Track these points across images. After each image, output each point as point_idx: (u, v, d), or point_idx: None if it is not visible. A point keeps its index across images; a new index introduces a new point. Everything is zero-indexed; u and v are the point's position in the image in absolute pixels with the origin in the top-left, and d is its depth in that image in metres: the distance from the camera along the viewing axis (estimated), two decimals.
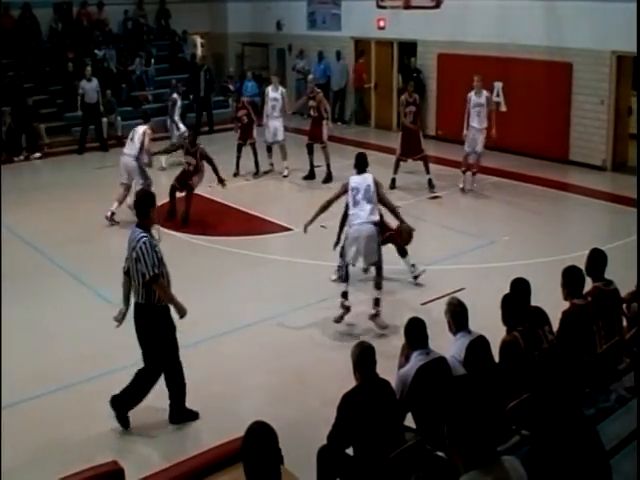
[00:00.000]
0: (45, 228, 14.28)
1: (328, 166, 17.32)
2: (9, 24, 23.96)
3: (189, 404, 7.80)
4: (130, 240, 7.33)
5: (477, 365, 6.33)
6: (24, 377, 8.59)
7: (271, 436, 4.12)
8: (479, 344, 6.53)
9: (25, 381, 8.51)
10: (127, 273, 7.53)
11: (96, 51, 24.14)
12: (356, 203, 9.67)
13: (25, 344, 9.49)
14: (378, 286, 9.78)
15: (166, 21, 27.39)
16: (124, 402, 7.62)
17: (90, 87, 21.15)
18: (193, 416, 7.79)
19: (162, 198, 13.53)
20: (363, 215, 9.59)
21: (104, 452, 6.59)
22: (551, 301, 7.04)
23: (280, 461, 4.18)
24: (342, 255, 9.85)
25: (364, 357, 5.83)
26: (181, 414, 7.75)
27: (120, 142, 21.70)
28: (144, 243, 7.19)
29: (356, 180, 9.83)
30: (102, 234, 14.02)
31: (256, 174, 18.03)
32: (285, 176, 17.92)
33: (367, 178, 9.83)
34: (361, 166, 10.01)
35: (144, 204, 7.52)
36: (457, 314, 6.64)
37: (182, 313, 7.54)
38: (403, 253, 11.13)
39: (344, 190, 9.88)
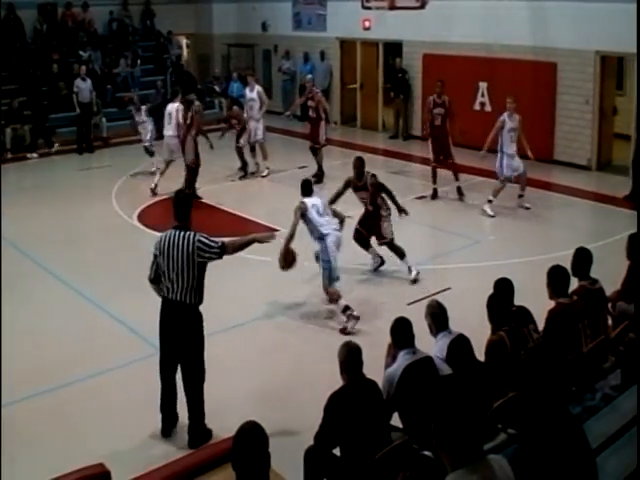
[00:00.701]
0: (30, 230, 14.21)
1: (320, 167, 17.31)
2: None
3: (177, 407, 7.76)
4: (175, 243, 7.13)
5: (459, 363, 6.36)
6: (8, 380, 8.54)
7: (262, 437, 4.12)
8: (460, 342, 6.56)
9: (9, 384, 8.45)
10: (155, 280, 7.37)
11: (81, 52, 24.07)
12: (321, 215, 10.15)
13: (11, 347, 9.45)
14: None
15: (151, 22, 27.36)
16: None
17: (85, 86, 21.14)
18: (209, 436, 7.44)
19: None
20: (332, 222, 10.22)
21: (91, 455, 6.57)
22: (537, 300, 7.07)
23: (269, 462, 4.18)
24: (327, 260, 9.95)
25: (351, 357, 5.84)
26: (203, 434, 7.41)
27: (106, 143, 21.78)
28: (200, 237, 7.16)
29: (310, 201, 10.22)
30: (87, 236, 13.99)
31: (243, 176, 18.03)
32: (264, 176, 17.95)
33: (317, 199, 10.41)
34: (307, 191, 10.38)
35: (186, 205, 7.46)
36: (437, 316, 6.68)
37: (267, 238, 7.79)
38: (401, 255, 11.32)
39: (302, 213, 10.08)
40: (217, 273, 11.65)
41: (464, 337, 6.64)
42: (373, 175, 11.54)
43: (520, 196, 14.90)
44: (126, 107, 21.53)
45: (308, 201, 10.19)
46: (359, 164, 11.58)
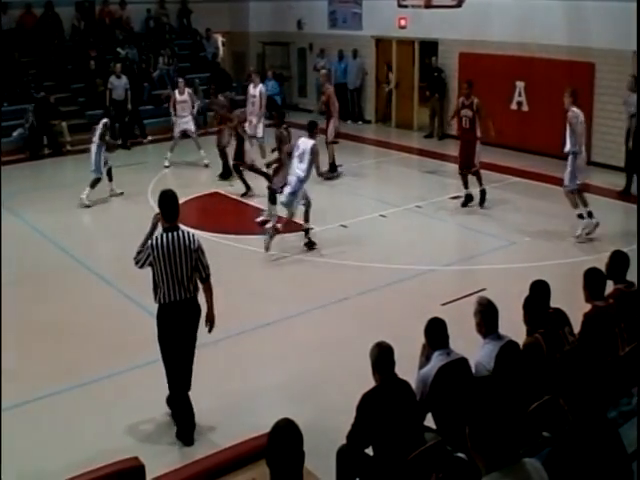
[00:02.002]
0: (67, 226, 14.35)
1: (331, 164, 17.37)
2: (32, 23, 24.14)
3: (209, 403, 7.80)
4: (174, 244, 7.10)
5: (509, 376, 6.18)
6: (45, 374, 8.65)
7: (296, 434, 4.13)
8: (510, 351, 6.31)
9: (46, 378, 8.56)
10: (141, 266, 7.36)
11: (118, 49, 24.23)
12: (301, 160, 12.38)
13: (46, 341, 9.55)
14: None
15: (188, 20, 27.50)
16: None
17: (119, 84, 21.33)
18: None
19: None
20: (301, 168, 12.38)
21: (125, 448, 6.61)
22: (573, 303, 7.02)
23: (303, 460, 4.18)
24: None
25: (383, 358, 5.81)
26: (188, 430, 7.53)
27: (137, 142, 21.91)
28: (198, 240, 7.22)
29: (302, 143, 12.48)
30: (123, 232, 14.06)
31: None
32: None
33: (308, 143, 12.38)
34: (309, 131, 12.81)
35: (174, 204, 7.32)
36: (487, 314, 6.41)
37: (213, 317, 7.51)
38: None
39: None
40: (249, 270, 11.80)
41: (515, 345, 6.40)
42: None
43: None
44: (162, 104, 21.70)
45: (301, 142, 12.22)
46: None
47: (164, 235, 7.15)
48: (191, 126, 18.95)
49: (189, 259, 7.12)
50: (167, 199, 7.26)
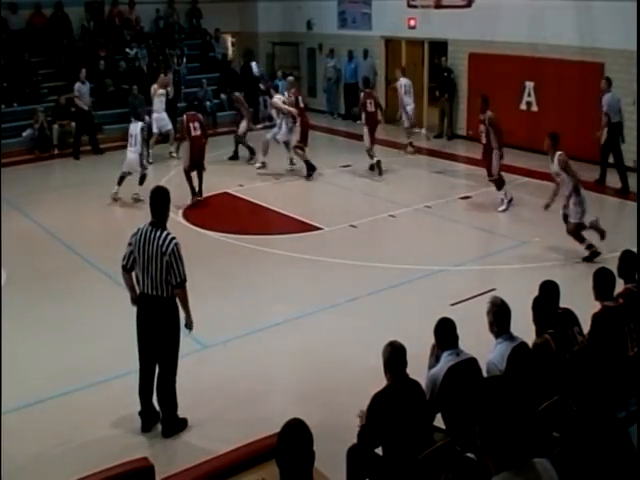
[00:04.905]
0: (77, 226, 14.39)
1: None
2: (41, 23, 24.23)
3: (218, 402, 7.81)
4: (147, 239, 7.24)
5: (520, 377, 6.17)
6: (55, 374, 8.68)
7: (306, 434, 4.13)
8: (521, 352, 6.32)
9: (57, 378, 8.59)
10: (129, 269, 7.45)
11: (127, 50, 24.29)
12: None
13: (57, 341, 9.57)
14: None
15: (197, 20, 27.51)
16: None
17: (85, 89, 21.11)
18: (183, 425, 7.64)
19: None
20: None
21: (134, 449, 6.63)
22: (582, 303, 7.01)
23: (313, 460, 4.18)
24: None
25: (395, 357, 5.82)
26: (175, 424, 7.60)
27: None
28: (176, 245, 7.20)
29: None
30: (130, 233, 14.09)
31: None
32: (257, 168, 18.21)
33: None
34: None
35: (165, 201, 7.44)
36: (499, 315, 6.41)
37: (191, 322, 7.52)
38: None
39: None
40: (258, 271, 11.81)
41: (526, 347, 6.42)
42: None
43: None
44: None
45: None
46: None
47: (144, 228, 7.34)
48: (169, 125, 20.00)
49: (158, 260, 7.18)
50: (154, 195, 7.47)
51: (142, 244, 7.26)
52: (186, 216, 14.37)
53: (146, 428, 7.60)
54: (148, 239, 7.24)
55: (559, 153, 11.97)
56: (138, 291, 7.47)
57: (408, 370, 5.84)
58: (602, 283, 6.83)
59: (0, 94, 21.41)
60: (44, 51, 23.53)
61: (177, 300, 7.35)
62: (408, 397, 5.73)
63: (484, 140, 14.81)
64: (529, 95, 19.31)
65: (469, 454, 5.38)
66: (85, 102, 20.90)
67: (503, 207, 14.52)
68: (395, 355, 5.81)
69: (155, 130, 19.57)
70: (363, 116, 17.77)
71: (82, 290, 11.22)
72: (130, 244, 7.39)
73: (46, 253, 12.86)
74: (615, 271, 7.06)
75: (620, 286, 7.12)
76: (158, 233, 7.22)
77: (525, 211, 14.77)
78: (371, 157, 17.54)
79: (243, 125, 18.86)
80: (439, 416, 6.21)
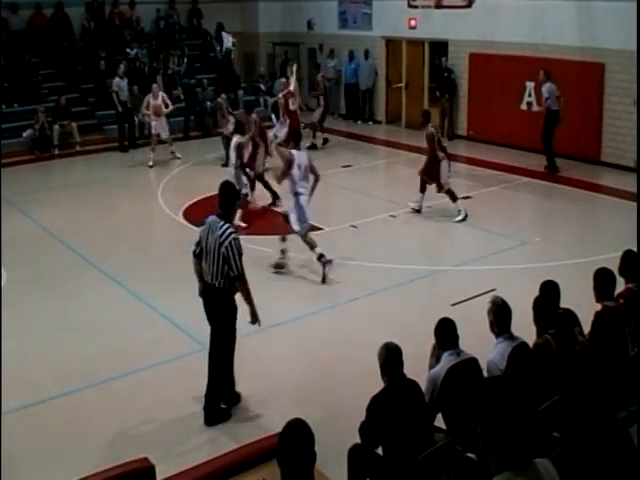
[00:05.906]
0: (78, 226, 14.38)
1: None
2: (42, 23, 24.25)
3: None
4: (212, 229, 7.47)
5: (520, 377, 6.18)
6: (56, 374, 8.67)
7: (308, 434, 4.12)
8: (522, 352, 6.32)
9: (57, 378, 8.59)
10: (198, 256, 7.68)
11: (128, 50, 24.28)
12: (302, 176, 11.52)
13: (57, 341, 9.57)
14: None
15: (198, 20, 27.52)
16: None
17: (124, 85, 21.24)
18: (226, 416, 7.80)
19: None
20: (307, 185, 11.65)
21: (135, 449, 6.63)
22: (583, 303, 7.00)
23: (314, 460, 4.18)
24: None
25: (390, 359, 5.80)
26: (217, 414, 7.74)
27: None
28: (235, 240, 7.39)
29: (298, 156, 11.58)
30: (134, 233, 14.11)
31: None
32: None
33: (304, 156, 11.70)
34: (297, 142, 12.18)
35: (232, 195, 7.67)
36: (500, 314, 6.41)
37: (256, 317, 7.75)
38: None
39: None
40: (258, 271, 11.79)
41: (527, 347, 6.41)
42: None
43: None
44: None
45: (296, 155, 11.46)
46: None
47: (211, 218, 7.57)
48: (165, 132, 19.58)
49: (216, 251, 7.41)
50: (222, 189, 7.68)
51: (207, 233, 7.53)
52: (186, 216, 14.38)
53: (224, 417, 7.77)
54: (212, 229, 7.49)
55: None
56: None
57: (408, 370, 5.83)
58: (602, 283, 6.82)
59: (1, 94, 21.44)
60: (44, 51, 23.57)
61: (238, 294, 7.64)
62: (406, 398, 5.71)
63: (430, 152, 14.64)
64: (529, 95, 19.30)
65: (470, 454, 5.38)
66: (124, 97, 21.08)
67: (460, 217, 14.19)
68: (391, 357, 5.78)
69: (154, 131, 19.46)
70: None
71: (82, 290, 11.21)
72: (200, 232, 7.70)
73: (46, 253, 12.84)
74: (615, 271, 7.06)
75: (620, 286, 7.11)
76: (220, 224, 7.43)
77: (525, 211, 14.77)
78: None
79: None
80: (440, 416, 6.21)
